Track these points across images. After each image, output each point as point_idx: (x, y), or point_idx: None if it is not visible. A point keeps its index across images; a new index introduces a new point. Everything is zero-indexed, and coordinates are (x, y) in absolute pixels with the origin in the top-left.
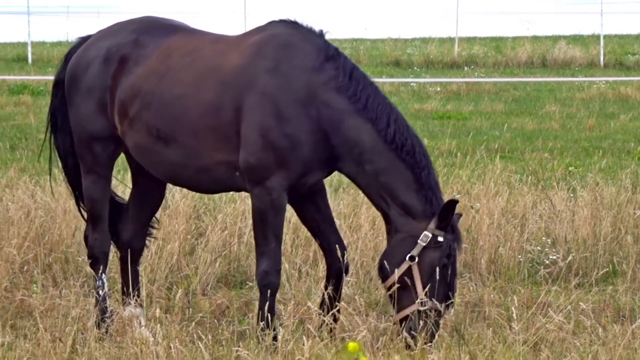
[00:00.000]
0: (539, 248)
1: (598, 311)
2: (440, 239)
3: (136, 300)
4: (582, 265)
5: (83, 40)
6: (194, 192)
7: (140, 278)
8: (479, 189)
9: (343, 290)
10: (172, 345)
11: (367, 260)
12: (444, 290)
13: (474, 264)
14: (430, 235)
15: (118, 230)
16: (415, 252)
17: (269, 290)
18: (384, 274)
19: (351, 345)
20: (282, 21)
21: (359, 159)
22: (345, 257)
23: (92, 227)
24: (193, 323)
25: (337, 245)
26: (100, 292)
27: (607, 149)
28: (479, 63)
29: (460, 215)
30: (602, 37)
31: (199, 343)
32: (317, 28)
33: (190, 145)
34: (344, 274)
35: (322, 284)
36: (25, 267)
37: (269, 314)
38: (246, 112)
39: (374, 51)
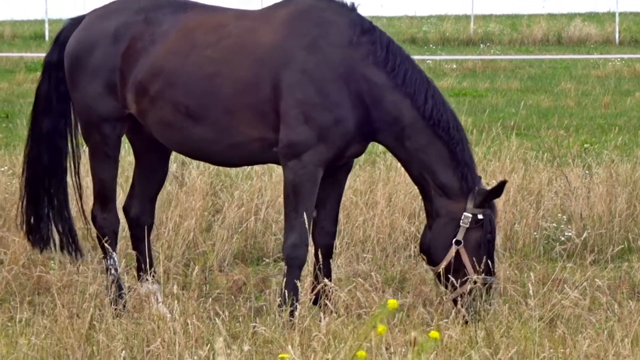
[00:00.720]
0: (554, 225)
1: (613, 288)
2: (480, 216)
3: (153, 276)
4: (598, 242)
5: (75, 20)
6: (211, 169)
7: (156, 254)
8: (494, 166)
9: (360, 267)
10: (189, 322)
11: (383, 237)
12: (491, 263)
13: None
14: (471, 216)
15: (125, 208)
16: (460, 236)
17: (296, 263)
18: (431, 260)
19: (391, 302)
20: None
21: (399, 135)
22: (334, 238)
23: (100, 207)
24: (210, 299)
25: (332, 223)
26: (113, 270)
27: (623, 126)
28: (495, 40)
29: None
30: (617, 15)
31: (216, 319)
32: (348, 1)
33: (223, 123)
34: (333, 252)
35: (312, 259)
36: None
37: (292, 290)
38: (285, 89)
39: (390, 28)
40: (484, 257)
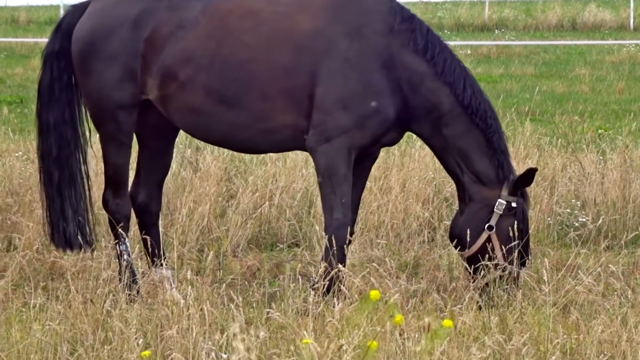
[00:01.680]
0: (568, 210)
1: (627, 274)
2: (514, 204)
3: (165, 262)
4: (612, 228)
5: (78, 8)
6: (225, 155)
7: (170, 240)
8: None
9: (373, 253)
10: (203, 307)
11: (397, 222)
12: (523, 253)
13: None
14: (505, 203)
15: (132, 195)
16: (493, 221)
17: (341, 243)
18: (462, 244)
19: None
20: None
21: (436, 122)
22: (354, 226)
23: (113, 192)
24: (224, 285)
25: (353, 211)
26: (126, 255)
27: (637, 112)
28: (509, 26)
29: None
30: (632, 0)
31: (231, 305)
32: None
33: (257, 108)
34: (352, 238)
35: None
36: None
37: (331, 270)
38: (325, 76)
39: None
40: (517, 245)
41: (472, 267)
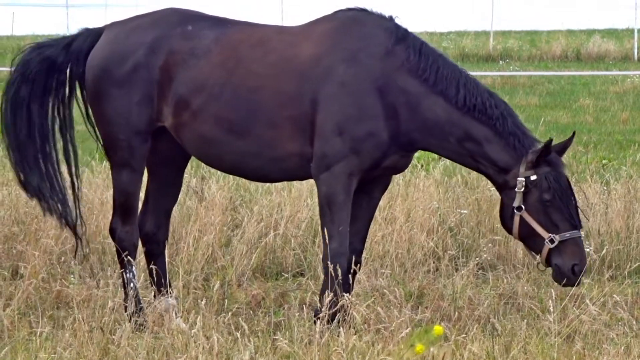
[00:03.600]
0: None
1: (631, 304)
2: (534, 177)
3: (172, 291)
4: (615, 258)
5: (91, 32)
6: (230, 184)
7: (176, 269)
8: None
9: (378, 282)
10: (210, 336)
11: (401, 252)
12: (564, 217)
13: (508, 256)
14: (523, 179)
15: (139, 224)
16: (517, 202)
17: (339, 270)
18: (508, 231)
19: (437, 329)
20: (350, 9)
21: (439, 134)
22: (360, 256)
23: (122, 220)
24: (229, 314)
25: (360, 241)
26: (132, 283)
27: None
28: (514, 56)
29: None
30: (636, 31)
31: (237, 333)
32: (386, 14)
33: (266, 136)
34: (358, 268)
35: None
36: (63, 258)
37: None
38: (323, 102)
39: None
40: (551, 214)
41: (530, 250)
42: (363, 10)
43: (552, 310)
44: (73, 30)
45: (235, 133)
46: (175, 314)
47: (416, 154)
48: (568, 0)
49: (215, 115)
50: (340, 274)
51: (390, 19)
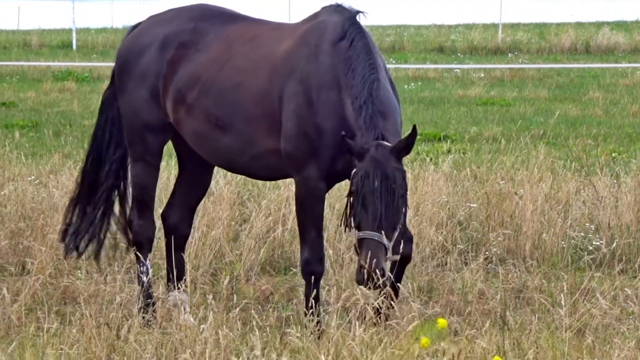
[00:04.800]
0: (582, 234)
1: None
2: (354, 170)
3: (185, 286)
4: (626, 252)
5: (133, 28)
6: (238, 179)
7: (185, 264)
8: (522, 175)
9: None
10: (219, 332)
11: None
12: (363, 215)
13: (518, 250)
14: (354, 171)
15: (164, 215)
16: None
17: (312, 278)
18: None
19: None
20: (332, 6)
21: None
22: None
23: (138, 213)
24: (238, 309)
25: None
26: (144, 278)
27: None
28: (523, 49)
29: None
30: None
31: (245, 328)
32: (359, 10)
33: (245, 133)
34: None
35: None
36: None
37: (313, 302)
38: (286, 99)
39: (418, 37)
40: (358, 208)
41: None
42: (340, 7)
43: (563, 304)
44: (79, 24)
45: (220, 129)
46: (184, 309)
47: (425, 148)
48: None
49: (204, 110)
50: (313, 281)
51: (351, 14)
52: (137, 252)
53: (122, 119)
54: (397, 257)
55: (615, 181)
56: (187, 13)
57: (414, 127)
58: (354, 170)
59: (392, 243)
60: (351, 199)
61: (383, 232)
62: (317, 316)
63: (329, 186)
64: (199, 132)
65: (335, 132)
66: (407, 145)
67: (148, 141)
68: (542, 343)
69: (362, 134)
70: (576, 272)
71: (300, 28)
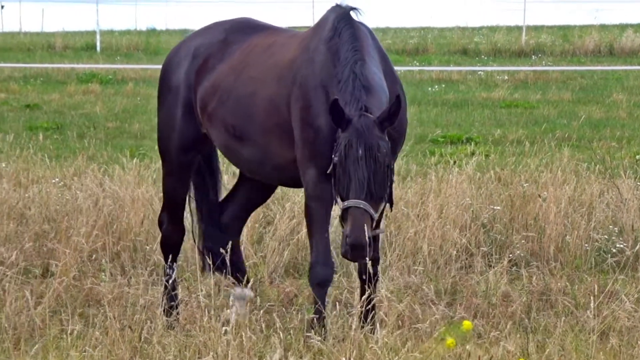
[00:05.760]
0: (606, 237)
1: None
2: (338, 139)
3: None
4: None
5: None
6: None
7: (208, 265)
8: (546, 178)
9: (411, 279)
10: (242, 334)
11: (434, 248)
12: (346, 184)
13: (541, 253)
14: (337, 142)
15: (220, 209)
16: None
17: (315, 282)
18: None
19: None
20: (331, 7)
21: None
22: (376, 267)
23: (168, 217)
24: (261, 311)
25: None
26: (171, 280)
27: None
28: (547, 51)
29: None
30: None
31: (270, 331)
32: (352, 7)
33: (261, 143)
34: (366, 276)
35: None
36: (94, 256)
37: (318, 308)
38: (291, 107)
39: (442, 40)
40: (342, 178)
41: None
42: (336, 7)
43: (591, 306)
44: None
45: (239, 139)
46: (237, 308)
47: (449, 150)
48: None
49: (222, 120)
50: (318, 285)
51: (344, 11)
52: (164, 254)
53: (158, 131)
54: (383, 232)
55: (639, 183)
56: (222, 25)
57: (397, 97)
58: (337, 140)
59: (377, 214)
60: (335, 170)
61: (369, 202)
62: (320, 322)
63: None
64: (222, 142)
65: (332, 130)
66: (390, 115)
67: (180, 159)
68: (566, 345)
69: (345, 106)
70: (600, 275)
71: (306, 34)
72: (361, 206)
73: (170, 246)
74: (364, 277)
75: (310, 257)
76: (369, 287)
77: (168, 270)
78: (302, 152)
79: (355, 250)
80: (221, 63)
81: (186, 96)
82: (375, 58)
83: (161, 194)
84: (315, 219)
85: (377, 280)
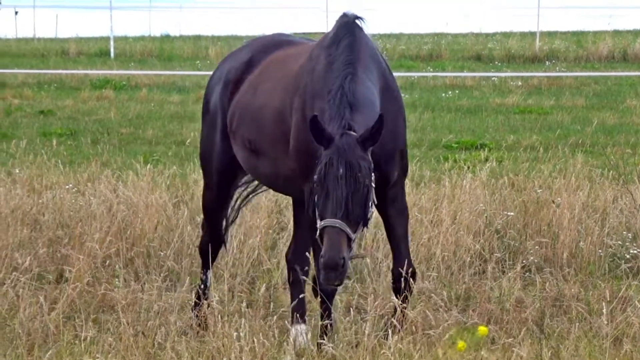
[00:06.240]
0: (619, 242)
1: None
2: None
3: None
4: None
5: None
6: None
7: (221, 272)
8: (560, 184)
9: (425, 285)
10: (255, 340)
11: (448, 254)
12: (324, 204)
13: (555, 259)
14: (318, 160)
15: (287, 259)
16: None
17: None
18: None
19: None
20: (341, 17)
21: None
22: (408, 273)
23: (207, 229)
24: (275, 317)
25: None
26: (203, 286)
27: None
28: (560, 57)
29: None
30: None
31: (283, 337)
32: (357, 15)
33: (273, 156)
34: (401, 284)
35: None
36: (108, 262)
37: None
38: (293, 116)
39: (455, 46)
40: (320, 197)
41: None
42: (343, 16)
43: (604, 312)
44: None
45: (255, 154)
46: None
47: (462, 156)
48: (614, 1)
49: (242, 135)
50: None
51: (348, 19)
52: (202, 263)
53: (200, 146)
54: (364, 255)
55: None
56: (250, 45)
57: (380, 116)
58: (318, 159)
59: (356, 235)
60: (314, 187)
61: (346, 221)
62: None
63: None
64: (243, 159)
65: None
66: (372, 135)
67: (220, 177)
68: (580, 351)
69: (329, 123)
70: (613, 281)
71: (316, 43)
72: (337, 225)
73: (207, 256)
74: (397, 286)
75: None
76: (400, 297)
77: (203, 277)
78: (298, 164)
79: (330, 270)
80: (244, 83)
81: (222, 122)
82: (372, 71)
83: (175, 199)
84: (302, 224)
85: (410, 293)
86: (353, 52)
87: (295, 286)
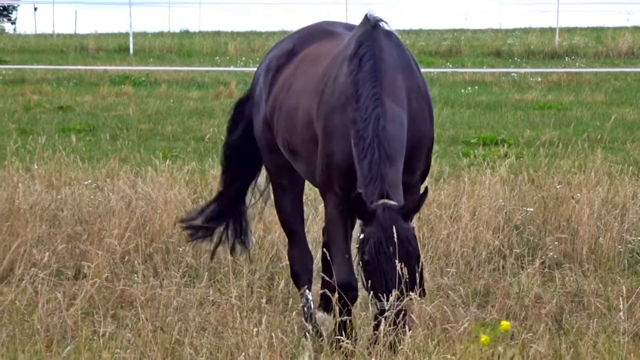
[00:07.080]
0: (639, 238)
1: None
2: (361, 235)
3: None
4: None
5: None
6: None
7: (240, 268)
8: (579, 179)
9: (443, 281)
10: (273, 336)
11: (467, 250)
12: (375, 285)
13: (574, 254)
14: (358, 234)
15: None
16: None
17: (342, 302)
18: None
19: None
20: (364, 22)
21: None
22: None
23: (289, 241)
24: (294, 313)
25: None
26: (306, 310)
27: None
28: (580, 53)
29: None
30: None
31: (302, 332)
32: (378, 18)
33: (306, 157)
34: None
35: None
36: (126, 258)
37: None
38: (316, 118)
39: (475, 42)
40: (371, 278)
41: None
42: (365, 18)
43: (622, 309)
44: (136, 28)
45: (292, 154)
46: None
47: (482, 152)
48: None
49: (281, 133)
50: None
51: (370, 24)
52: (295, 284)
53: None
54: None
55: None
56: (296, 34)
57: (426, 189)
58: (362, 235)
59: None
60: (363, 264)
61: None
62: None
63: None
64: (289, 159)
65: (347, 159)
66: (416, 206)
67: (275, 161)
68: (598, 347)
69: (366, 188)
70: (633, 277)
71: (342, 45)
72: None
73: (298, 273)
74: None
75: (334, 275)
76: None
77: (304, 300)
78: (320, 175)
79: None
80: (281, 75)
81: (264, 109)
82: (400, 87)
83: (194, 195)
84: (335, 241)
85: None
86: (377, 79)
87: (328, 270)
